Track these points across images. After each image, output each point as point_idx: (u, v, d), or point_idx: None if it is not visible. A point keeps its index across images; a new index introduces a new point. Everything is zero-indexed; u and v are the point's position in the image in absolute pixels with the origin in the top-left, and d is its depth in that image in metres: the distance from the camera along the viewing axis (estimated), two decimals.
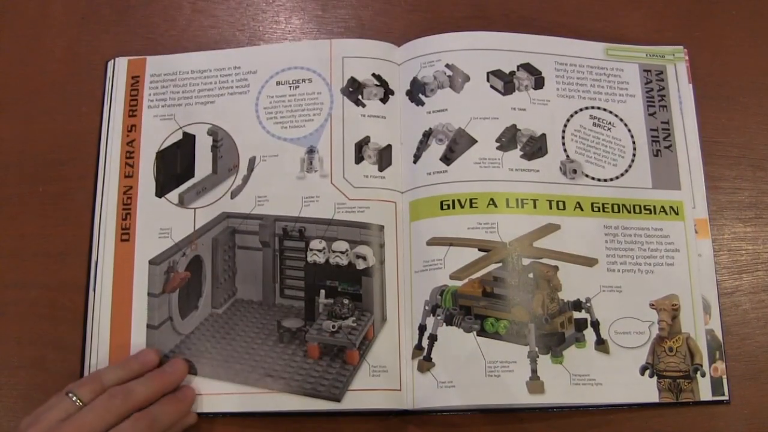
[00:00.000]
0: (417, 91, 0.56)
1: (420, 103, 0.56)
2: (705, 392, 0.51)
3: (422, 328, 0.51)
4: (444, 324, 0.51)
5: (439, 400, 0.50)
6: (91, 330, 0.52)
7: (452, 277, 0.52)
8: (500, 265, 0.52)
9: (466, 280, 0.52)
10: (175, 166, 0.56)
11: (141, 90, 0.57)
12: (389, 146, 0.55)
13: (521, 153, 0.55)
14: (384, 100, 0.56)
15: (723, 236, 0.56)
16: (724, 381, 0.52)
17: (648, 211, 0.54)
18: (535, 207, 0.53)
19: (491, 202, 0.53)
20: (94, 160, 0.56)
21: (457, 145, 0.54)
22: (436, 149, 0.54)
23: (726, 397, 0.51)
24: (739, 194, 0.57)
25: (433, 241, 0.52)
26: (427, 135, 0.55)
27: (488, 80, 0.56)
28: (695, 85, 0.58)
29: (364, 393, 0.49)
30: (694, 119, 0.57)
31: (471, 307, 0.51)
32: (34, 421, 0.44)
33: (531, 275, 0.52)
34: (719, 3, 0.62)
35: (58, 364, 0.52)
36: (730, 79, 0.59)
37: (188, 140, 0.56)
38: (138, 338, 0.52)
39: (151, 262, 0.53)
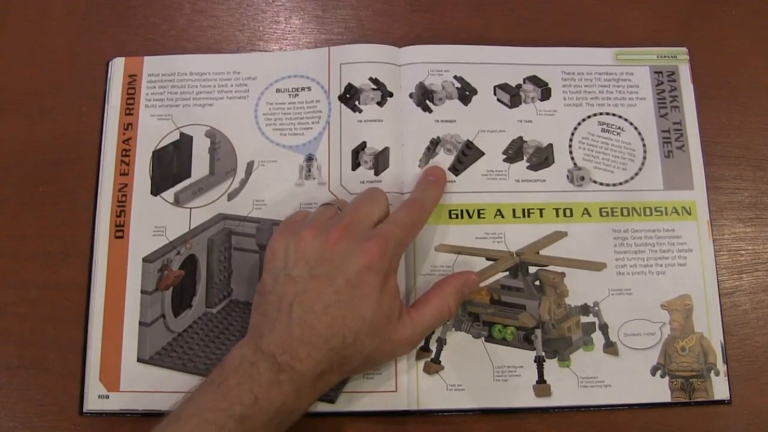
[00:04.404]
0: (424, 97, 0.56)
1: (427, 109, 0.56)
2: (720, 391, 0.51)
3: None
4: (453, 329, 0.52)
5: (449, 402, 0.50)
6: (92, 330, 0.52)
7: None
8: (507, 273, 0.53)
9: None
10: (171, 165, 0.55)
11: (138, 89, 0.57)
12: (386, 149, 0.55)
13: (527, 164, 0.55)
14: (381, 103, 0.56)
15: (723, 236, 0.56)
16: (725, 381, 0.52)
17: (659, 213, 0.54)
18: (541, 216, 0.54)
19: (498, 213, 0.54)
20: (95, 160, 0.56)
21: (466, 157, 0.55)
22: (444, 158, 0.55)
23: (726, 397, 0.51)
24: (739, 194, 0.57)
25: (441, 248, 0.53)
26: (435, 143, 0.55)
27: (495, 93, 0.57)
28: (695, 85, 0.58)
29: (358, 395, 0.50)
30: (695, 119, 0.57)
31: (479, 314, 0.52)
32: (303, 225, 0.47)
33: (538, 283, 0.52)
34: (719, 3, 0.62)
35: (58, 364, 0.52)
36: (730, 79, 0.59)
37: (185, 141, 0.56)
38: (130, 335, 0.51)
39: (145, 260, 0.53)
